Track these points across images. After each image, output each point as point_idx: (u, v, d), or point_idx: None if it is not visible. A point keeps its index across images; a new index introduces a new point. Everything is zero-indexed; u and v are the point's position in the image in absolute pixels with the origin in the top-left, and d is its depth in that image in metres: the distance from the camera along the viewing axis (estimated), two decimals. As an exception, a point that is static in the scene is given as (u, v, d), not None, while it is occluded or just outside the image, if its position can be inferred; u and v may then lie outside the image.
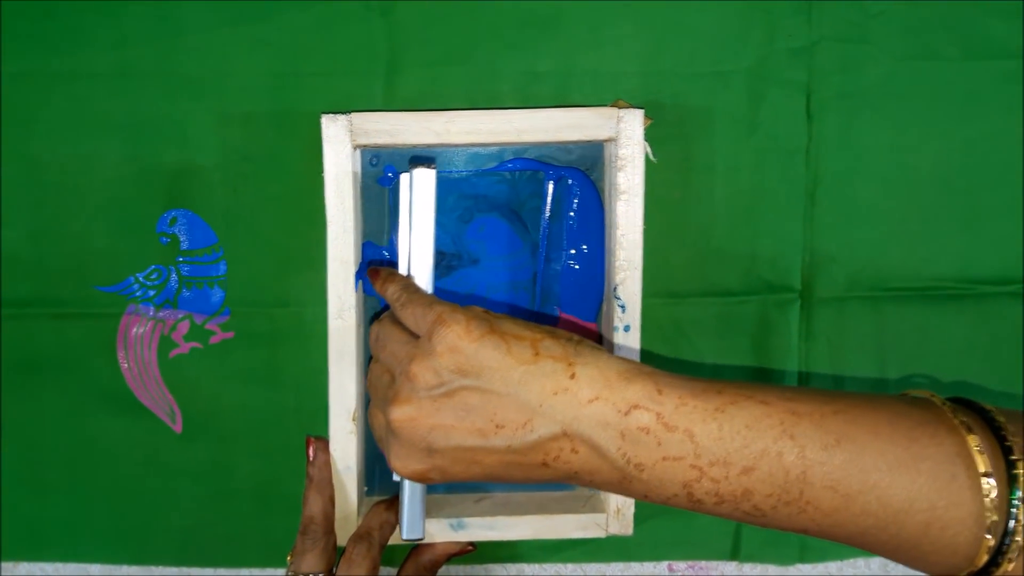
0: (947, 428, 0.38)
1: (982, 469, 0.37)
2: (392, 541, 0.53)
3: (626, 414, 0.39)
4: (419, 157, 0.53)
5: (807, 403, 0.39)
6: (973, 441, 0.38)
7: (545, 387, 0.40)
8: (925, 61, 0.55)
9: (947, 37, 0.55)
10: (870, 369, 0.58)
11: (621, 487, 0.40)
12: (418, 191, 0.48)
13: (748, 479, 0.38)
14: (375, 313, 0.54)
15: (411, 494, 0.50)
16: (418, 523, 0.51)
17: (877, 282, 0.57)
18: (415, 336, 0.43)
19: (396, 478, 0.52)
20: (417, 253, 0.49)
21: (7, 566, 0.60)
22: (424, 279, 0.49)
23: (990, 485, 0.37)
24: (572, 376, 0.40)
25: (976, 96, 0.56)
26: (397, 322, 0.46)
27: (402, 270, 0.52)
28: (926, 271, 0.57)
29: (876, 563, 0.61)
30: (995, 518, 0.37)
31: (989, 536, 0.37)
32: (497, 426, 0.40)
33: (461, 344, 0.40)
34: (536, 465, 0.41)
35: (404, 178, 0.51)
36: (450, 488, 0.57)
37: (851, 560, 0.61)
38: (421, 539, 0.51)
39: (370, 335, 0.48)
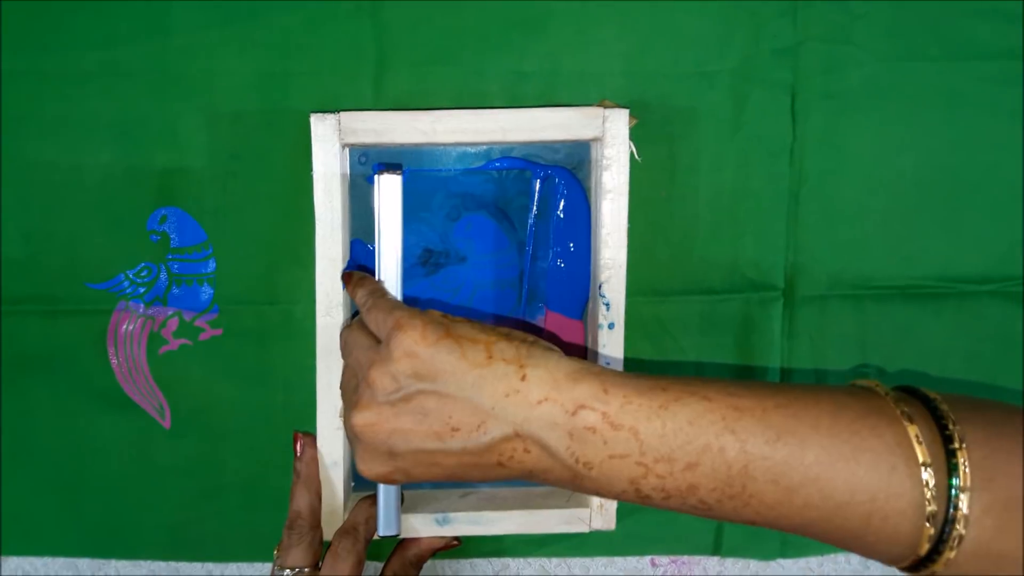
0: (888, 419, 0.40)
1: (921, 459, 0.39)
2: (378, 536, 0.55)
3: (573, 414, 0.41)
4: (388, 163, 0.55)
5: (750, 398, 0.41)
6: (913, 431, 0.39)
7: (497, 389, 0.41)
8: (909, 62, 0.57)
9: (931, 38, 0.57)
10: (852, 367, 0.60)
11: (573, 484, 0.42)
12: (384, 197, 0.50)
13: (692, 474, 0.40)
14: (350, 316, 0.56)
15: (385, 491, 0.52)
16: (393, 519, 0.53)
17: (860, 281, 0.59)
18: (378, 341, 0.45)
19: None
20: (384, 258, 0.51)
21: (-4, 560, 0.62)
22: (392, 284, 0.51)
23: (929, 475, 0.38)
24: (523, 378, 0.41)
25: (959, 97, 0.58)
26: (364, 327, 0.47)
27: (378, 272, 0.54)
28: (908, 270, 0.59)
29: (856, 558, 0.63)
30: (934, 508, 0.38)
31: (929, 525, 0.38)
32: (453, 429, 0.42)
33: (417, 349, 0.42)
34: (492, 465, 0.43)
35: (377, 180, 0.53)
36: (435, 483, 0.59)
37: (831, 555, 0.63)
38: (397, 535, 0.53)
39: (340, 341, 0.50)
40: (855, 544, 0.41)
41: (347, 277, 0.52)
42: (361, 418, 0.43)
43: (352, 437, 0.45)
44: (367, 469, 0.45)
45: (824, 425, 0.40)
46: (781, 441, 0.40)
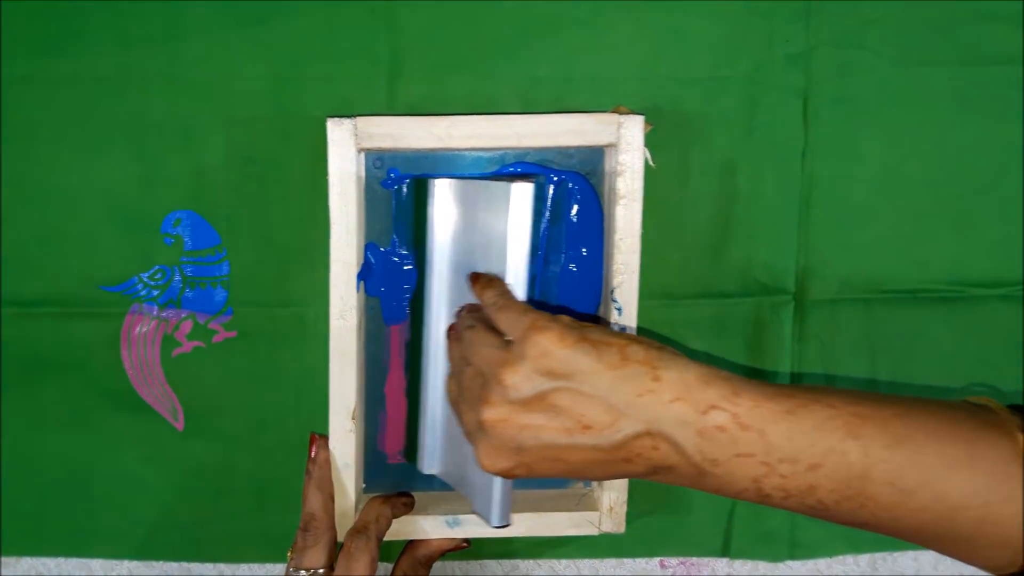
0: (1004, 431, 0.42)
1: None
2: (443, 533, 0.57)
3: (704, 413, 0.42)
4: (524, 172, 0.57)
5: (871, 407, 0.43)
6: None
7: (631, 389, 0.43)
8: (921, 67, 0.58)
9: (943, 43, 0.58)
10: (861, 370, 0.61)
11: (695, 481, 0.44)
12: (517, 204, 0.51)
13: (814, 475, 0.42)
14: (456, 323, 0.55)
15: (503, 484, 0.53)
16: (508, 511, 0.54)
17: (870, 284, 0.61)
18: (506, 340, 0.47)
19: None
20: (514, 263, 0.51)
21: (9, 561, 0.63)
22: (520, 289, 0.51)
23: None
24: (656, 379, 0.43)
25: (971, 101, 0.59)
26: (490, 327, 0.49)
27: (432, 279, 0.55)
28: (918, 274, 0.61)
29: (864, 560, 0.64)
30: None
31: None
32: (585, 426, 0.44)
33: (553, 349, 0.44)
34: (618, 461, 0.44)
35: (439, 184, 0.55)
36: (445, 486, 0.60)
37: (840, 557, 0.64)
38: (508, 525, 0.54)
39: (461, 338, 0.50)
40: (964, 549, 0.43)
41: (475, 277, 0.52)
42: (492, 414, 0.44)
43: (477, 432, 0.46)
44: (491, 464, 0.46)
45: (942, 433, 0.42)
46: (900, 447, 0.42)
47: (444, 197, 0.55)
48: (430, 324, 0.57)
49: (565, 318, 0.46)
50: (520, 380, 0.44)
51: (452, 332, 0.53)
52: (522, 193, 0.50)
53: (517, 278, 0.51)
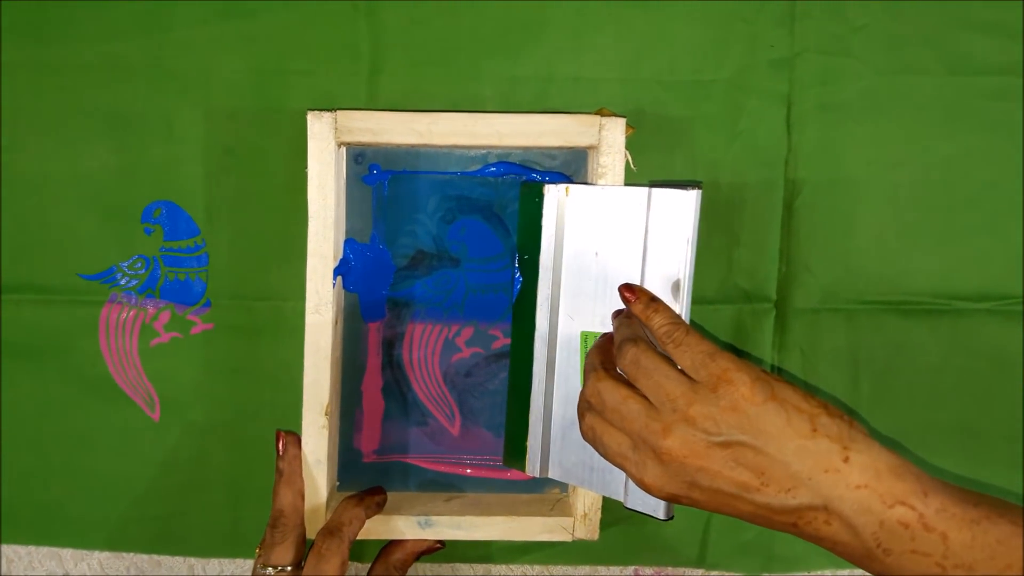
0: None
1: None
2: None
3: (890, 507, 0.44)
4: (685, 180, 0.58)
5: None
6: None
7: (818, 463, 0.45)
8: (907, 76, 0.60)
9: (930, 52, 0.60)
10: (843, 382, 0.63)
11: (859, 559, 0.46)
12: (683, 213, 0.51)
13: None
14: (604, 335, 0.55)
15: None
16: (672, 504, 0.53)
17: (853, 295, 0.62)
18: (685, 374, 0.48)
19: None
20: (685, 281, 0.52)
21: (-21, 548, 0.65)
22: (685, 311, 0.52)
23: None
24: (845, 460, 0.45)
25: (958, 112, 0.60)
26: (661, 354, 0.49)
27: (541, 288, 0.56)
28: (903, 285, 0.62)
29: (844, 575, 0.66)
30: None
31: None
32: (761, 484, 0.45)
33: (744, 405, 0.46)
34: (785, 524, 0.46)
35: (554, 190, 0.56)
36: (421, 485, 0.62)
37: (818, 572, 0.65)
38: (673, 518, 0.54)
39: (621, 351, 0.50)
40: None
41: (632, 291, 0.52)
42: (674, 447, 0.46)
43: (637, 455, 0.47)
44: (659, 488, 0.47)
45: None
46: None
47: (561, 203, 0.56)
48: (540, 329, 0.57)
49: (756, 369, 0.47)
50: (709, 424, 0.46)
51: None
52: (685, 201, 0.50)
53: (684, 299, 0.52)
